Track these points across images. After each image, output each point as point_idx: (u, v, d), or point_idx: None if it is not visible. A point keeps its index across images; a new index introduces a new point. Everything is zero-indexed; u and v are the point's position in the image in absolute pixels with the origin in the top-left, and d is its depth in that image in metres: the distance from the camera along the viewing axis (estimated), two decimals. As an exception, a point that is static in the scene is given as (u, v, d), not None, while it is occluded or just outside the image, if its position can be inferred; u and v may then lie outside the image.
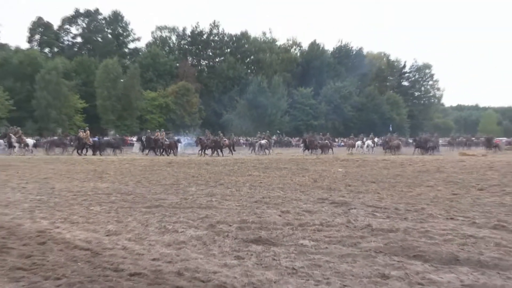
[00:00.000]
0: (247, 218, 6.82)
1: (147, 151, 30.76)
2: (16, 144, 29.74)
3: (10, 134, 30.49)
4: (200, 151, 30.58)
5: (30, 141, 31.89)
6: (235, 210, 7.62)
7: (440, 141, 49.61)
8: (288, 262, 4.48)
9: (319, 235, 5.68)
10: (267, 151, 34.37)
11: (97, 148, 30.57)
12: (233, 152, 31.49)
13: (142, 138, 32.35)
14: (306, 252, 4.87)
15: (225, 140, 32.89)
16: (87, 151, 30.04)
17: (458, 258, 4.64)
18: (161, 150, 30.91)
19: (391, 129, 57.64)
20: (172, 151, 31.25)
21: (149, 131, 36.72)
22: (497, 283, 3.90)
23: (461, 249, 5.01)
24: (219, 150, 30.75)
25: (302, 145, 34.53)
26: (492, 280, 3.97)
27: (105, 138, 37.02)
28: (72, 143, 33.52)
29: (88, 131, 31.60)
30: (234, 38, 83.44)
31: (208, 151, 30.66)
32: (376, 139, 42.42)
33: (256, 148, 34.42)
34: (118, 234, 5.73)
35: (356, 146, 39.54)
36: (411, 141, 42.93)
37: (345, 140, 55.93)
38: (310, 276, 4.05)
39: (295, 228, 6.10)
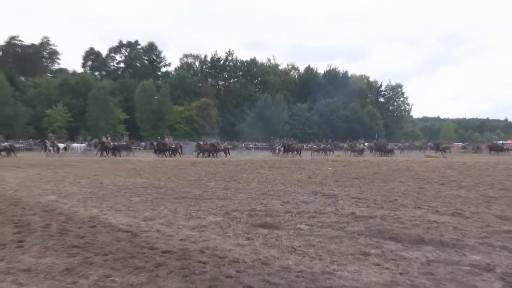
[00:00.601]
0: (256, 207, 6.84)
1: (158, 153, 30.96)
2: (50, 148, 29.81)
3: (45, 140, 30.78)
4: (200, 154, 30.84)
5: (62, 145, 31.81)
6: (246, 200, 7.63)
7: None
8: (288, 242, 4.49)
9: (313, 221, 5.68)
10: (285, 154, 34.22)
11: (116, 150, 30.01)
12: (228, 154, 31.51)
13: (154, 143, 32.37)
14: (303, 234, 4.87)
15: (220, 146, 33.14)
16: (108, 153, 29.45)
17: (424, 239, 4.63)
18: (169, 152, 31.14)
19: (376, 136, 57.24)
20: (178, 153, 31.62)
21: (159, 137, 36.74)
22: (455, 259, 3.89)
23: (426, 232, 4.99)
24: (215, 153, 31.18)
25: (282, 148, 34.47)
26: (451, 257, 3.96)
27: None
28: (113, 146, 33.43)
29: (110, 138, 31.69)
30: (245, 64, 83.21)
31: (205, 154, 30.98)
32: (366, 144, 42.18)
33: (276, 151, 34.56)
34: (153, 219, 5.76)
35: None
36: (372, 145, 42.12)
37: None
38: (306, 253, 4.06)
39: (293, 215, 6.10)
